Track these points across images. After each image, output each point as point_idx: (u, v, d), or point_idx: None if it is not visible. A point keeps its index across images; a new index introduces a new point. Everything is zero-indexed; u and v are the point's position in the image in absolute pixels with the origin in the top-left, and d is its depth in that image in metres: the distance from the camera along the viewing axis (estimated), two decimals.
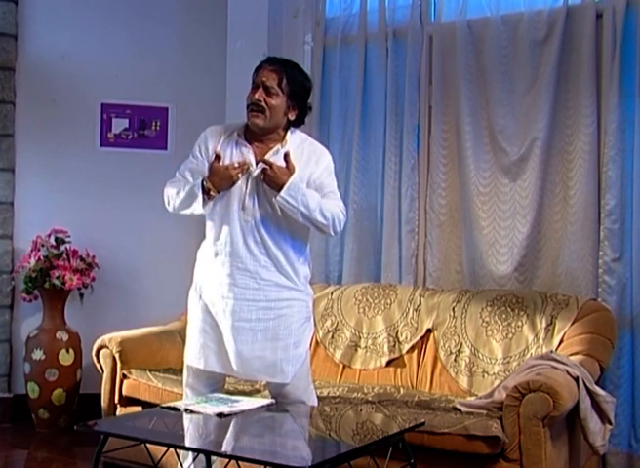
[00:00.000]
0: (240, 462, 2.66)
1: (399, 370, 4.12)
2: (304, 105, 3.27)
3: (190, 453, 3.08)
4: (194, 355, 3.30)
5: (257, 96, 3.18)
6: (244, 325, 3.20)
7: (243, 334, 3.20)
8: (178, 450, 2.96)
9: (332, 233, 3.26)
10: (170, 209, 3.32)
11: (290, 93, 3.19)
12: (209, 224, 3.30)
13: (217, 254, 3.25)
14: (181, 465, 3.15)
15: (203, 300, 3.30)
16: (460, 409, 3.44)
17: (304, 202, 3.12)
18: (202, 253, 3.36)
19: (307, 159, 3.25)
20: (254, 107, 3.19)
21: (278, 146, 3.24)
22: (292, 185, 3.10)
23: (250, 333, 3.20)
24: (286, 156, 3.15)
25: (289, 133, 3.28)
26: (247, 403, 3.09)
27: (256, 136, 3.26)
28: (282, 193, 3.10)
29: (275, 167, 3.12)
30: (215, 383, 3.36)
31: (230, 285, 3.21)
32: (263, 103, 3.17)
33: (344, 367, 4.24)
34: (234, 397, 3.22)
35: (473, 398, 3.65)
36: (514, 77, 4.26)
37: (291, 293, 3.25)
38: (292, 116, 3.24)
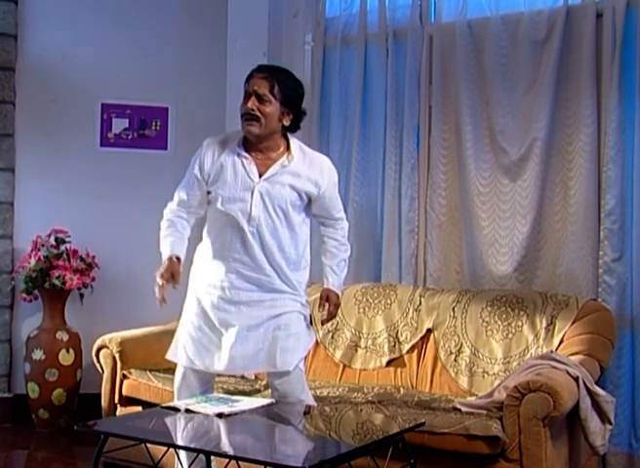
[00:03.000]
0: (240, 462, 2.66)
1: (399, 370, 4.12)
2: (299, 110, 3.28)
3: (184, 454, 3.09)
4: (193, 357, 3.30)
5: (249, 105, 3.18)
6: (247, 322, 3.23)
7: (246, 332, 3.23)
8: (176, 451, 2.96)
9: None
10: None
11: (283, 98, 3.20)
12: (212, 231, 3.33)
13: (221, 261, 3.27)
14: (181, 465, 3.16)
15: (201, 305, 3.31)
16: (460, 409, 3.44)
17: (344, 278, 3.51)
18: (201, 259, 3.37)
19: (309, 169, 3.28)
20: (248, 116, 3.19)
21: (283, 160, 3.25)
22: (339, 291, 3.47)
23: (252, 331, 3.23)
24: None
25: (291, 142, 3.29)
26: (247, 403, 3.09)
27: (254, 145, 3.26)
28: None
29: (333, 308, 3.42)
30: (207, 383, 3.38)
31: (235, 290, 3.25)
32: (257, 112, 3.18)
33: (344, 367, 4.24)
34: (234, 397, 3.23)
35: (473, 398, 3.65)
36: (514, 77, 4.26)
37: (293, 300, 3.31)
38: (286, 121, 3.24)
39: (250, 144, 3.27)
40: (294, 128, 3.30)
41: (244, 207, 3.22)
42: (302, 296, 3.35)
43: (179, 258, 3.27)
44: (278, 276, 3.26)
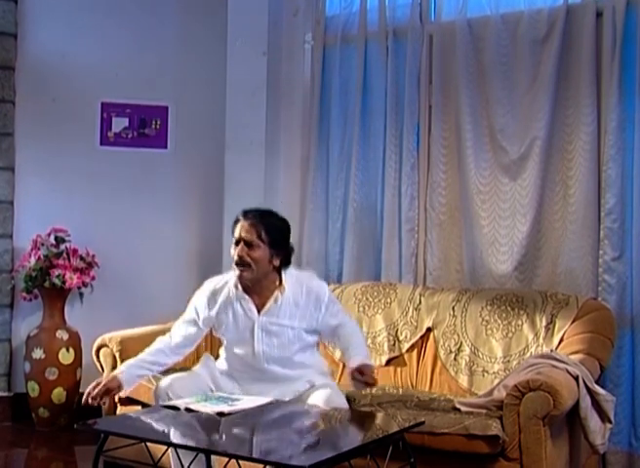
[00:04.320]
0: (240, 461, 2.67)
1: (399, 368, 4.12)
2: (287, 249, 3.40)
3: (173, 453, 3.10)
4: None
5: (239, 252, 3.32)
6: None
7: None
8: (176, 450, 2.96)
9: None
10: None
11: (271, 242, 3.32)
12: (226, 353, 3.53)
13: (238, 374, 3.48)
14: (181, 465, 3.15)
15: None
16: (459, 409, 3.44)
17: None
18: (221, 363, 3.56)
19: (307, 300, 3.41)
20: (238, 263, 3.32)
21: (277, 293, 3.38)
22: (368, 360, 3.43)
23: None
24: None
25: (284, 276, 3.40)
26: (247, 402, 3.09)
27: (250, 287, 3.39)
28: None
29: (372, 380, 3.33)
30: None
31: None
32: (247, 258, 3.30)
33: (344, 366, 4.23)
34: (234, 396, 3.23)
35: (473, 397, 3.65)
36: (514, 76, 4.26)
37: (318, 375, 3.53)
38: (276, 262, 3.37)
39: (246, 285, 3.39)
40: (284, 265, 3.40)
41: (249, 346, 3.38)
42: (321, 367, 3.58)
43: (120, 386, 3.36)
44: (294, 384, 3.41)
